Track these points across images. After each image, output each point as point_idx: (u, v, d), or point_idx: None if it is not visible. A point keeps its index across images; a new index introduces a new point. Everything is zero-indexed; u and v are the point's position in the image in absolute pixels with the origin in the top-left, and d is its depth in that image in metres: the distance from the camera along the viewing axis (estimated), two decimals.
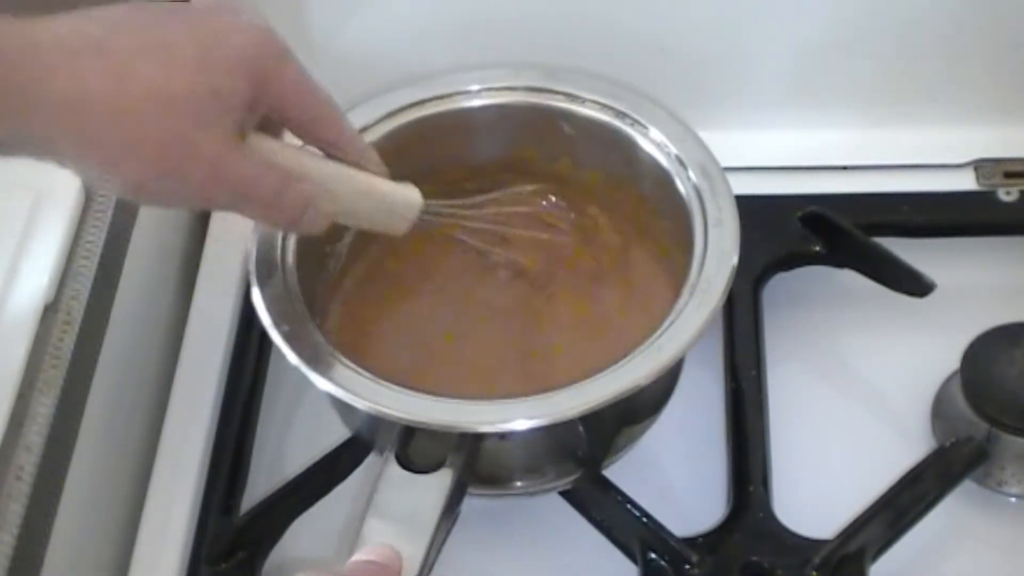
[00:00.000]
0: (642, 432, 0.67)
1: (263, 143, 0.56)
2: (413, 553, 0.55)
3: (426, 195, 0.63)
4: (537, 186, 0.70)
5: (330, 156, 0.59)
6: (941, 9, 0.77)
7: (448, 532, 0.58)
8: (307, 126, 0.58)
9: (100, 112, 0.49)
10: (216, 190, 0.53)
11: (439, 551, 0.57)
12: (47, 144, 0.50)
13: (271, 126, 0.57)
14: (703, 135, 0.67)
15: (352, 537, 0.56)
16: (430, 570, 0.56)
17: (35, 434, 0.61)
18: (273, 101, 0.55)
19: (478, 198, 0.67)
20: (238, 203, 0.55)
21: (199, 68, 0.50)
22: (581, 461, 0.65)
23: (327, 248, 0.68)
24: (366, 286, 0.70)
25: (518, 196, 0.69)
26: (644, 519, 0.64)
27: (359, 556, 0.54)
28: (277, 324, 0.61)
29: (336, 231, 0.67)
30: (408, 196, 0.63)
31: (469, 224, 0.66)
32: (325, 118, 0.58)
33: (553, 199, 0.70)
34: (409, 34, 0.79)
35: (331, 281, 0.69)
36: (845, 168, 0.81)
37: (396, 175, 0.69)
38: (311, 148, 0.59)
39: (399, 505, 0.56)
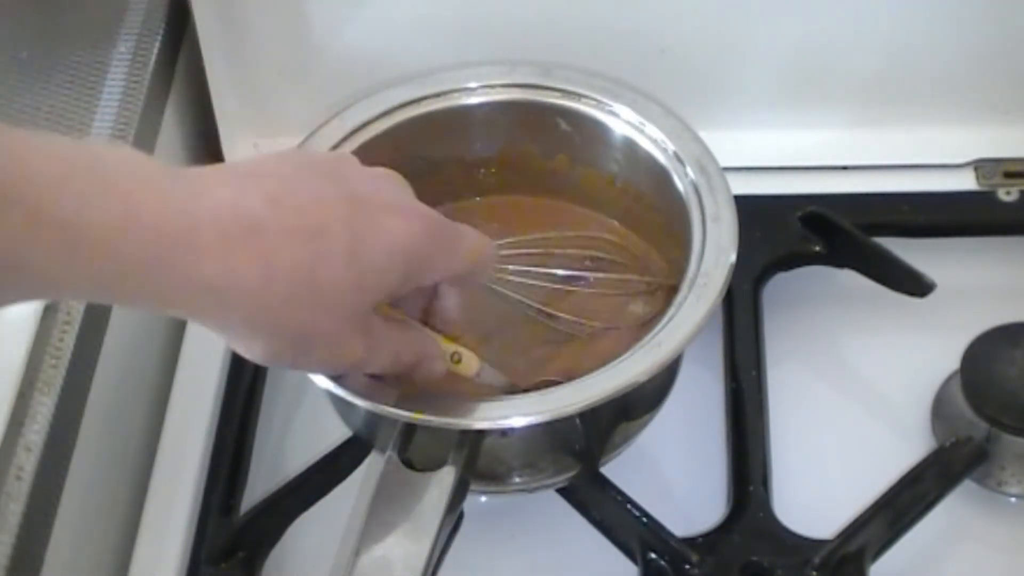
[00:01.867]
0: (640, 429, 0.67)
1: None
2: (417, 552, 0.55)
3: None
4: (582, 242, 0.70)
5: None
6: (941, 9, 0.77)
7: (452, 531, 0.58)
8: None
9: (244, 302, 0.48)
10: (335, 363, 0.54)
11: (444, 550, 0.57)
12: (183, 315, 0.51)
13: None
14: (703, 135, 0.67)
15: (354, 537, 0.56)
16: (435, 570, 0.56)
17: (35, 434, 0.61)
18: (418, 285, 0.55)
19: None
20: (361, 366, 0.55)
21: (349, 261, 0.49)
22: (578, 458, 0.65)
23: None
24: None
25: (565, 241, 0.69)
26: (644, 519, 0.64)
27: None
28: None
29: None
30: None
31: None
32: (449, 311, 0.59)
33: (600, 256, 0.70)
34: (407, 33, 0.79)
35: None
36: (845, 168, 0.81)
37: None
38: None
39: (401, 504, 0.56)
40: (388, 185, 0.54)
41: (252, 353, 0.51)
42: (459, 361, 0.60)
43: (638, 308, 0.67)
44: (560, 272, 0.68)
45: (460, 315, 0.60)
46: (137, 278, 0.45)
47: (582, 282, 0.68)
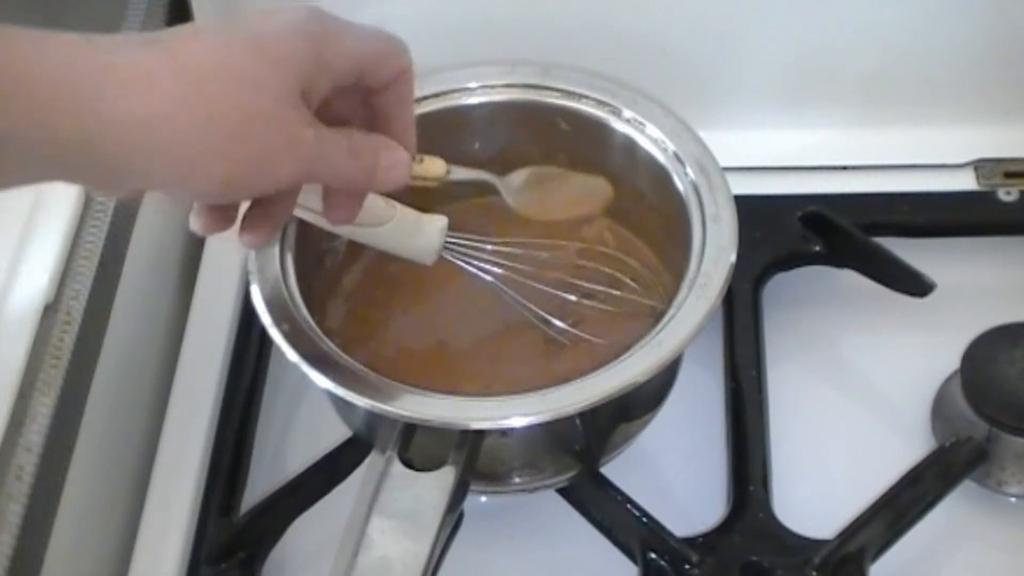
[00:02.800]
0: (639, 429, 0.67)
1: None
2: (416, 552, 0.55)
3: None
4: (577, 244, 0.70)
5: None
6: (941, 9, 0.77)
7: (453, 531, 0.58)
8: (373, 71, 0.57)
9: (176, 121, 0.48)
10: (297, 150, 0.52)
11: (444, 550, 0.57)
12: (119, 162, 0.49)
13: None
14: (703, 135, 0.67)
15: (354, 537, 0.56)
16: (435, 570, 0.56)
17: (35, 434, 0.61)
18: (337, 59, 0.54)
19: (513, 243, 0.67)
20: (317, 165, 0.54)
21: (255, 45, 0.51)
22: (579, 458, 0.65)
23: (325, 246, 0.69)
24: (366, 284, 0.70)
25: (557, 248, 0.69)
26: (644, 519, 0.64)
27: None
28: (277, 323, 0.61)
29: None
30: (436, 220, 0.63)
31: (495, 267, 0.66)
32: (392, 66, 0.57)
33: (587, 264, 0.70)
34: (407, 32, 0.79)
35: (330, 279, 0.69)
36: (845, 168, 0.81)
37: None
38: None
39: (402, 504, 0.56)
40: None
41: (209, 177, 0.50)
42: (422, 161, 0.60)
43: (631, 327, 0.67)
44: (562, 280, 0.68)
45: (411, 122, 0.59)
46: (58, 115, 0.46)
47: (581, 292, 0.68)
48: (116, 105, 0.47)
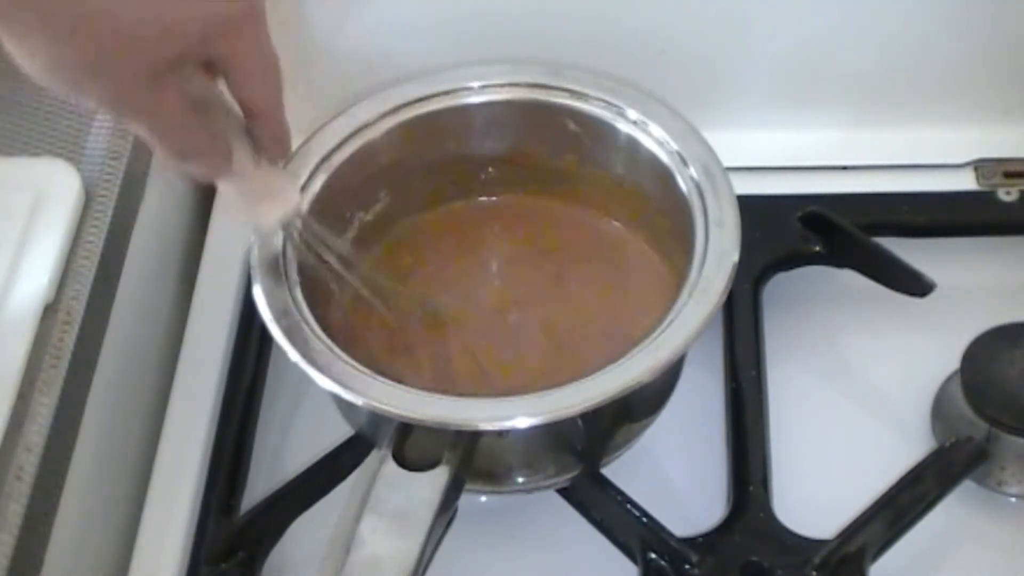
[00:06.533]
0: (641, 431, 0.67)
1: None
2: (408, 550, 0.55)
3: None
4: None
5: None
6: (940, 9, 0.77)
7: (445, 530, 0.58)
8: (245, 83, 0.55)
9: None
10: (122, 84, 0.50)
11: (435, 549, 0.57)
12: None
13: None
14: (703, 135, 0.67)
15: (345, 534, 0.56)
16: (425, 568, 0.56)
17: (35, 434, 0.61)
18: (222, 49, 0.53)
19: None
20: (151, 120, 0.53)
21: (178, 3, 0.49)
22: (579, 459, 0.65)
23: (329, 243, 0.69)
24: (369, 281, 0.70)
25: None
26: (644, 519, 0.64)
27: None
28: (277, 320, 0.61)
29: (342, 224, 0.67)
30: (290, 195, 0.61)
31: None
32: (265, 87, 0.56)
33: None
34: (405, 34, 0.79)
35: (333, 277, 0.69)
36: (845, 168, 0.81)
37: (400, 170, 0.69)
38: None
39: (394, 502, 0.56)
40: None
41: (50, 71, 0.49)
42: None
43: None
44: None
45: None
46: None
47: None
48: None
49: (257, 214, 0.61)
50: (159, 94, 0.51)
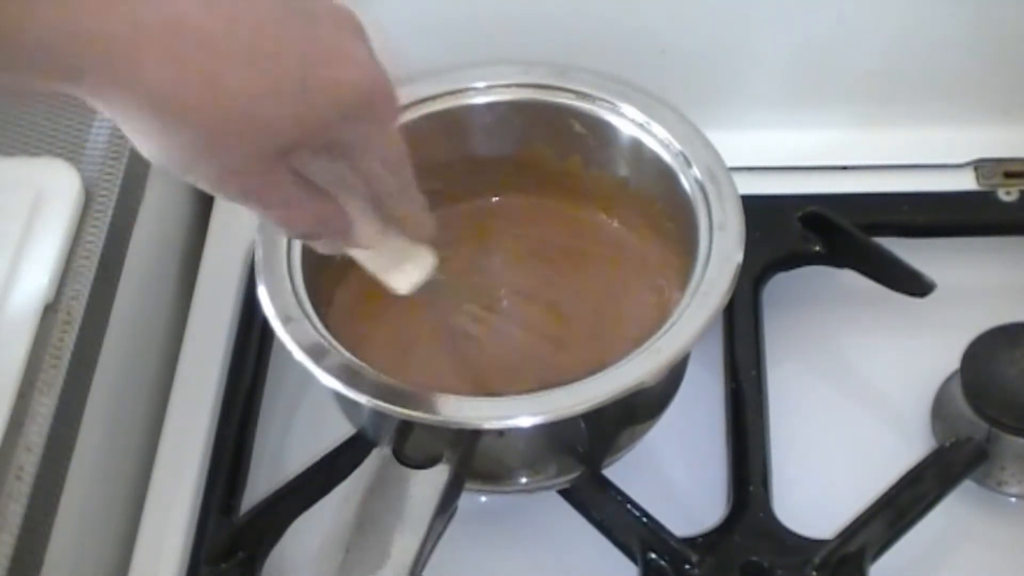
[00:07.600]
0: (644, 432, 0.67)
1: None
2: (407, 548, 0.55)
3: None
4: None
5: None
6: (941, 9, 0.77)
7: (444, 528, 0.58)
8: (370, 173, 0.54)
9: (181, 116, 0.46)
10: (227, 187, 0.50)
11: (434, 547, 0.57)
12: (125, 71, 0.45)
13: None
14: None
15: (344, 531, 0.56)
16: (424, 566, 0.56)
17: (35, 434, 0.61)
18: (357, 154, 0.52)
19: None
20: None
21: (296, 94, 0.47)
22: (581, 460, 0.65)
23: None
24: (371, 281, 0.70)
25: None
26: (644, 519, 0.64)
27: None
28: (280, 317, 0.61)
29: None
30: (423, 257, 0.61)
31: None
32: (393, 177, 0.55)
33: None
34: (406, 34, 0.79)
35: (337, 275, 0.69)
36: (845, 168, 0.81)
37: None
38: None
39: (394, 500, 0.56)
40: (350, 24, 0.51)
41: (159, 154, 0.48)
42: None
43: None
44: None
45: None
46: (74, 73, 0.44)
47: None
48: (133, 75, 0.44)
49: (391, 281, 0.60)
50: (271, 177, 0.50)
